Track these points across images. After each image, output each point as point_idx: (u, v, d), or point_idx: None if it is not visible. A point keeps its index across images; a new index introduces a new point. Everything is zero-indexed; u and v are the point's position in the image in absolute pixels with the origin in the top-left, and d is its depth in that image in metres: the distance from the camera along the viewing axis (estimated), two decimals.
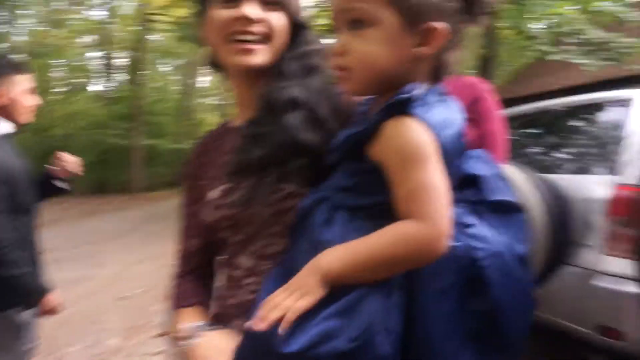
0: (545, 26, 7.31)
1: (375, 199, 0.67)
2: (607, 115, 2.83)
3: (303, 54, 0.93)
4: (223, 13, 0.87)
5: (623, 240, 2.28)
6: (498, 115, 2.42)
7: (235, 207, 0.86)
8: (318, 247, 0.66)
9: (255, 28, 0.87)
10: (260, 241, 0.85)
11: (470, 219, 0.67)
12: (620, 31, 6.83)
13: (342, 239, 0.65)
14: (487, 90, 2.43)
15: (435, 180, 0.61)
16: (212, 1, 0.90)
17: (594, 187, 2.49)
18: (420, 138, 0.62)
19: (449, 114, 0.67)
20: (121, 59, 20.40)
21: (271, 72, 0.91)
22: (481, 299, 0.63)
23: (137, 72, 18.35)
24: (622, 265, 2.24)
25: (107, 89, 20.48)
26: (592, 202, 2.43)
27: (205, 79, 24.87)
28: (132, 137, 17.31)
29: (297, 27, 0.93)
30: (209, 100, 27.47)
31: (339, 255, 0.63)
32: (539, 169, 2.23)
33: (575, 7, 6.88)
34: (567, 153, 3.11)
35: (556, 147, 3.20)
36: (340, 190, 0.72)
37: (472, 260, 0.63)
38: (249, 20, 0.86)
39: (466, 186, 0.71)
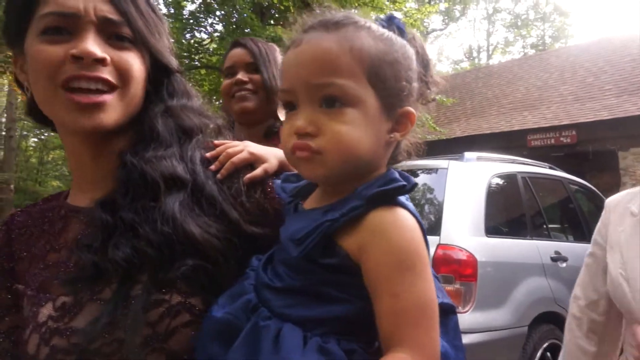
0: None
1: (341, 309, 0.53)
2: (426, 181, 3.21)
3: (174, 108, 0.72)
4: (49, 50, 0.61)
5: (450, 295, 2.54)
6: None
7: (84, 335, 0.57)
8: None
9: (101, 72, 0.62)
10: None
11: None
12: None
13: None
14: None
15: (431, 294, 0.52)
16: (30, 31, 0.63)
17: None
18: (417, 237, 0.53)
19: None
20: None
21: (132, 131, 0.68)
22: None
23: None
24: None
25: None
26: None
27: None
28: None
29: (162, 72, 0.71)
30: None
31: None
32: None
33: None
34: None
35: None
36: (283, 293, 0.55)
37: None
38: (91, 61, 0.61)
39: None
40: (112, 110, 0.63)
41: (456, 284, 2.57)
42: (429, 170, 3.23)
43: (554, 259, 3.18)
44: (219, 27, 9.79)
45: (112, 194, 0.65)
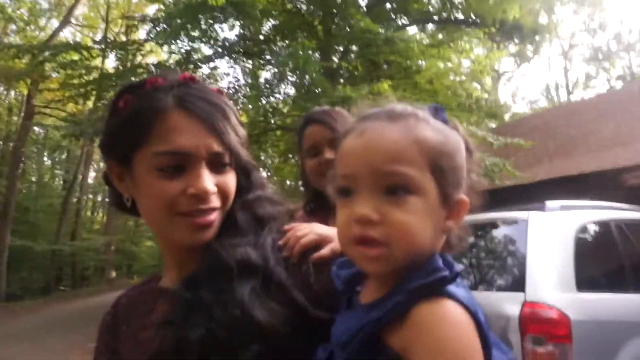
0: None
1: None
2: (507, 232, 3.07)
3: (252, 201, 0.79)
4: (166, 186, 0.70)
5: (540, 358, 2.35)
6: None
7: None
8: None
9: (212, 202, 0.71)
10: None
11: None
12: (486, 152, 7.93)
13: None
14: None
15: None
16: (139, 161, 0.71)
17: (504, 304, 2.59)
18: (463, 332, 0.50)
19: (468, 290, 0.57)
20: None
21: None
22: None
23: (13, 165, 16.55)
24: None
25: None
26: (504, 319, 2.51)
27: (92, 174, 23.37)
28: None
29: (243, 172, 0.79)
30: (97, 197, 25.57)
31: None
32: None
33: None
34: (470, 268, 3.25)
35: (455, 260, 3.30)
36: None
37: None
38: (207, 194, 0.70)
39: None
40: (215, 225, 0.73)
41: (549, 346, 2.37)
42: (509, 222, 3.10)
43: None
44: (292, 91, 10.41)
45: (193, 274, 0.71)
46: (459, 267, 0.57)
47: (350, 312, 0.61)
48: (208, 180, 0.70)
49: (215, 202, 0.72)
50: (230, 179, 0.75)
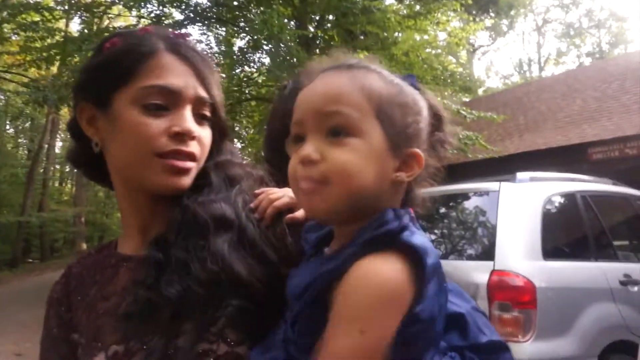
0: None
1: None
2: (478, 204, 3.14)
3: (224, 163, 0.78)
4: (151, 123, 0.67)
5: (505, 324, 2.44)
6: None
7: None
8: None
9: (192, 147, 0.70)
10: None
11: None
12: (459, 125, 8.01)
13: None
14: None
15: (345, 355, 0.48)
16: (122, 98, 0.69)
17: (474, 273, 2.67)
18: (376, 294, 0.49)
19: (428, 242, 0.56)
20: None
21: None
22: None
23: None
24: None
25: None
26: (473, 287, 2.59)
27: (59, 144, 22.60)
28: None
29: (220, 131, 0.78)
30: (65, 168, 24.82)
31: None
32: None
33: None
34: (441, 238, 3.32)
35: (427, 230, 3.34)
36: (303, 351, 0.56)
37: None
38: (190, 137, 0.69)
39: (448, 327, 0.61)
40: (191, 175, 0.71)
41: (514, 312, 2.47)
42: (481, 193, 3.16)
43: (623, 283, 2.98)
44: (266, 60, 10.18)
45: (163, 234, 0.69)
46: (407, 218, 0.56)
47: (304, 266, 0.61)
48: (192, 122, 0.69)
49: (195, 148, 0.70)
50: (207, 134, 0.74)
